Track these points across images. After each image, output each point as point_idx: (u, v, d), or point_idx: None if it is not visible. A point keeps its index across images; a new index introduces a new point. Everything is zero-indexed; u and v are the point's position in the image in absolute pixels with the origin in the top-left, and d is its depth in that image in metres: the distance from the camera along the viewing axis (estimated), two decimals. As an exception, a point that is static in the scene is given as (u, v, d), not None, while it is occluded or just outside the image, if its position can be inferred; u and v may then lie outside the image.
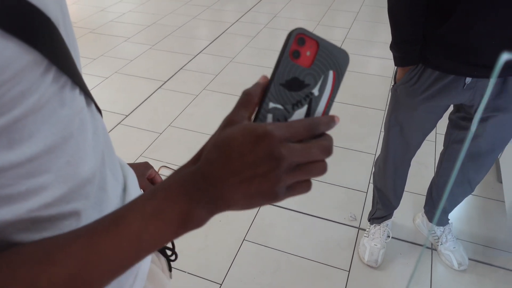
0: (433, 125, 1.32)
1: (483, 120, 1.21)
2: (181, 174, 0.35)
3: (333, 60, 0.36)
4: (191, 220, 0.34)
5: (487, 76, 1.08)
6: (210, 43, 3.42)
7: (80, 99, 0.40)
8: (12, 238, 0.35)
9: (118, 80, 2.89)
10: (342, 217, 1.82)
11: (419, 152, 1.45)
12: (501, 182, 1.95)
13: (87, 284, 0.33)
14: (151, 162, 2.04)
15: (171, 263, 0.68)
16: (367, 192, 1.93)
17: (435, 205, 1.61)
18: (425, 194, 1.66)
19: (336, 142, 2.20)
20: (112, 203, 0.47)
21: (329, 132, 0.36)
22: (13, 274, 0.32)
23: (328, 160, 0.36)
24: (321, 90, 0.36)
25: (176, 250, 0.67)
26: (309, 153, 0.33)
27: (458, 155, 1.39)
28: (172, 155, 2.17)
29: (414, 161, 1.48)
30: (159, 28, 3.69)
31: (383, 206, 1.61)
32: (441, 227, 1.64)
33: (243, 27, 3.73)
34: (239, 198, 0.33)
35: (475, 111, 1.21)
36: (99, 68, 3.02)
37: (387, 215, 1.64)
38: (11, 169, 0.32)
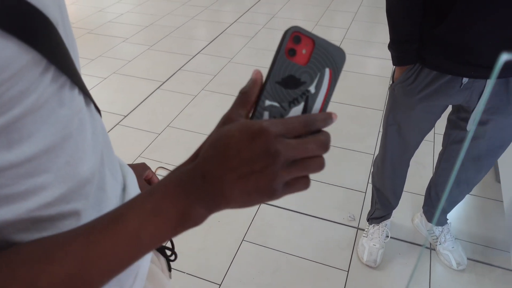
0: (431, 125, 1.32)
1: (484, 122, 1.20)
2: (179, 172, 0.35)
3: (329, 58, 0.36)
4: (190, 217, 0.34)
5: (484, 76, 1.08)
6: (209, 43, 3.42)
7: (79, 99, 0.40)
8: (12, 238, 0.35)
9: (117, 80, 2.88)
10: (341, 217, 1.82)
11: (417, 152, 1.45)
12: (499, 182, 1.95)
13: (86, 283, 0.33)
14: (149, 163, 2.05)
15: (171, 263, 0.68)
16: (366, 192, 1.94)
17: (434, 205, 1.61)
18: (424, 194, 1.66)
19: (334, 142, 2.20)
20: (111, 203, 0.47)
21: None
22: (12, 273, 0.32)
23: (327, 161, 0.36)
24: (318, 88, 0.36)
25: (176, 250, 0.67)
26: (305, 148, 0.33)
27: (457, 155, 1.39)
28: (171, 155, 2.16)
29: (412, 161, 1.48)
30: (157, 29, 3.69)
31: (381, 206, 1.61)
32: (440, 227, 1.65)
33: (241, 28, 3.73)
34: (237, 195, 0.33)
35: (472, 112, 1.21)
36: (97, 69, 3.02)
37: (386, 215, 1.64)
38: (11, 169, 0.32)
